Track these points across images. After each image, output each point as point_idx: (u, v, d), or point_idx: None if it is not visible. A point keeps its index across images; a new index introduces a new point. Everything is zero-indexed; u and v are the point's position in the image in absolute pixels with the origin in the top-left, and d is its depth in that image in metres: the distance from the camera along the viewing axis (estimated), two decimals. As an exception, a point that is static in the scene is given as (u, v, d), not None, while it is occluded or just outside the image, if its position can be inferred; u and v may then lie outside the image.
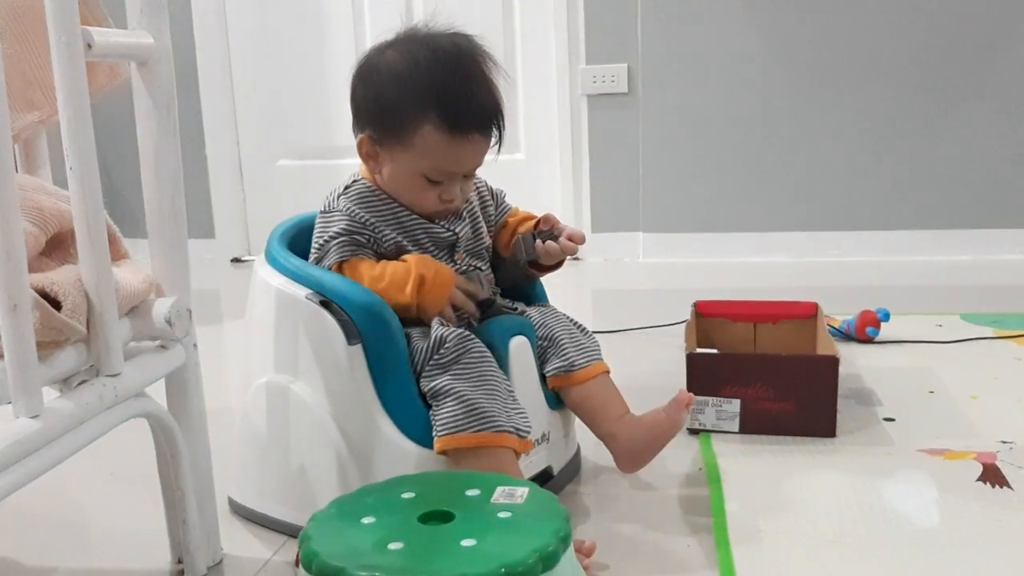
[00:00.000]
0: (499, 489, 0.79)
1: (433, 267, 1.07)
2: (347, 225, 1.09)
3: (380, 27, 2.80)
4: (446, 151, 1.07)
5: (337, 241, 1.08)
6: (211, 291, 2.66)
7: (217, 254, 3.06)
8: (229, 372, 1.76)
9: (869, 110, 2.64)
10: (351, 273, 1.06)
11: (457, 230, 1.14)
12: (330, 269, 1.07)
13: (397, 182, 1.10)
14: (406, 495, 0.80)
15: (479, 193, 1.20)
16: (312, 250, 1.10)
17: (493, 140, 1.10)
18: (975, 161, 2.61)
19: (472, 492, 0.79)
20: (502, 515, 0.76)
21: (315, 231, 1.11)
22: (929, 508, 1.07)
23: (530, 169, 2.87)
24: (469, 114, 1.06)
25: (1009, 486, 1.11)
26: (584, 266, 2.82)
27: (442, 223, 1.14)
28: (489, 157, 1.12)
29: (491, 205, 1.22)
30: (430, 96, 1.05)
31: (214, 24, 2.96)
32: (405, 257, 1.08)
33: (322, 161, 2.94)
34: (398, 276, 1.05)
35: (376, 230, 1.10)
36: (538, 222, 1.19)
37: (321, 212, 1.12)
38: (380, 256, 1.10)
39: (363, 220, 1.09)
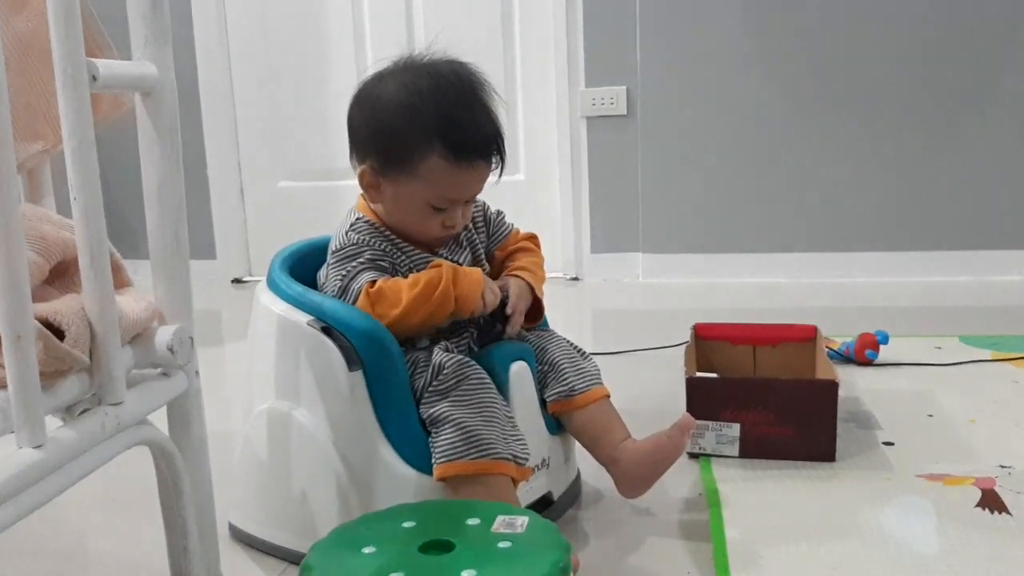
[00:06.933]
0: (499, 518, 0.80)
1: (459, 267, 1.09)
2: (371, 254, 1.09)
3: (381, 51, 2.83)
4: (451, 180, 1.07)
5: (364, 267, 1.08)
6: (212, 312, 2.66)
7: (218, 274, 3.07)
8: (230, 394, 1.76)
9: (868, 130, 2.65)
10: (388, 286, 1.05)
11: (459, 260, 1.15)
12: (361, 289, 1.05)
13: (401, 211, 1.11)
14: (407, 524, 0.80)
15: (474, 221, 1.21)
16: (333, 285, 1.09)
17: (494, 164, 1.11)
18: (974, 182, 2.63)
19: (473, 521, 0.80)
20: (502, 545, 0.76)
21: (331, 269, 1.11)
22: (928, 535, 1.07)
23: (530, 190, 2.88)
24: (473, 143, 1.07)
25: (1008, 512, 1.11)
26: (584, 287, 2.82)
27: (444, 254, 1.14)
28: (491, 181, 1.13)
29: (484, 232, 1.22)
30: (435, 127, 1.05)
31: (216, 46, 2.98)
32: (432, 263, 1.09)
33: (322, 183, 2.95)
34: (432, 276, 1.06)
35: (394, 256, 1.11)
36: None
37: (333, 251, 1.12)
38: None
39: (382, 248, 1.10)
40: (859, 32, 2.60)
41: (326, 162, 2.94)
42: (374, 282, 1.06)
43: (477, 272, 1.09)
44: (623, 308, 2.59)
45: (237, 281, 3.09)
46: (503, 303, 1.13)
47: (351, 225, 1.13)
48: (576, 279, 2.89)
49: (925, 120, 2.62)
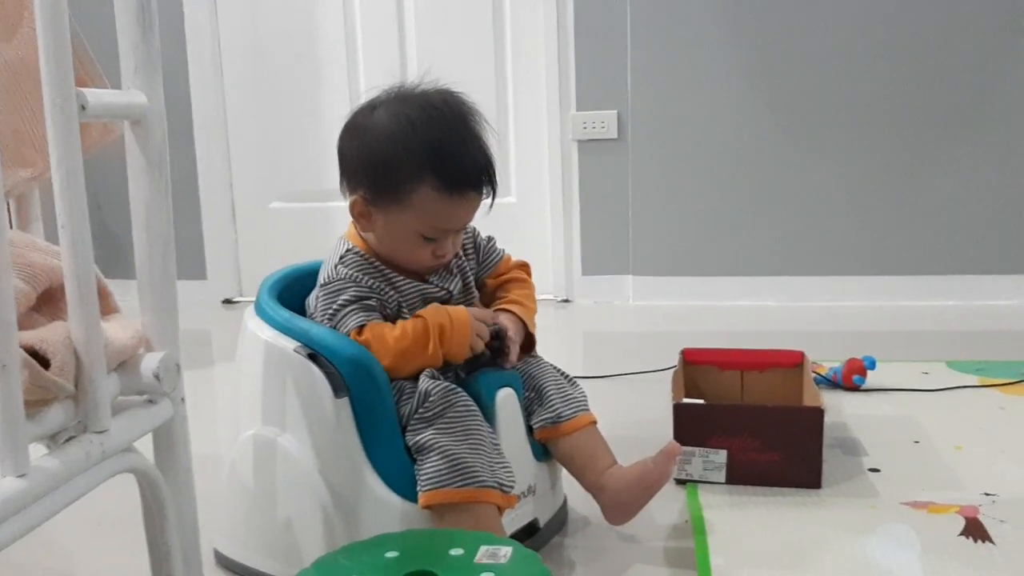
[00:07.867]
0: (483, 548, 0.80)
1: (446, 314, 1.08)
2: (356, 291, 1.09)
3: (373, 73, 2.85)
4: (442, 211, 1.08)
5: (351, 307, 1.08)
6: (202, 332, 2.66)
7: (209, 295, 3.06)
8: (219, 416, 1.76)
9: (856, 156, 2.67)
10: (373, 335, 1.06)
11: (450, 287, 1.16)
12: (348, 334, 1.06)
13: (392, 240, 1.11)
14: (390, 554, 0.80)
15: (464, 248, 1.21)
16: (320, 321, 1.09)
17: (485, 194, 1.12)
18: (962, 207, 2.64)
19: (456, 551, 0.80)
20: (485, 576, 0.76)
21: (319, 301, 1.11)
22: (912, 564, 1.07)
23: (521, 213, 2.89)
24: (465, 174, 1.07)
25: (991, 540, 1.12)
26: (574, 309, 2.83)
27: (434, 281, 1.15)
28: (482, 212, 1.13)
29: (474, 259, 1.23)
30: (426, 158, 1.06)
31: (210, 66, 2.99)
32: (419, 312, 1.09)
33: (313, 204, 2.96)
34: (419, 332, 1.06)
35: (381, 292, 1.11)
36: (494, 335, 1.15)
37: (321, 284, 1.12)
38: (385, 318, 1.10)
39: (369, 285, 1.10)
40: (849, 59, 2.63)
41: (317, 184, 2.94)
42: (361, 328, 1.06)
43: (464, 320, 1.08)
44: (613, 330, 2.60)
45: (228, 302, 3.09)
46: (494, 335, 1.13)
47: (340, 258, 1.13)
48: (567, 301, 2.89)
49: (913, 145, 2.64)
